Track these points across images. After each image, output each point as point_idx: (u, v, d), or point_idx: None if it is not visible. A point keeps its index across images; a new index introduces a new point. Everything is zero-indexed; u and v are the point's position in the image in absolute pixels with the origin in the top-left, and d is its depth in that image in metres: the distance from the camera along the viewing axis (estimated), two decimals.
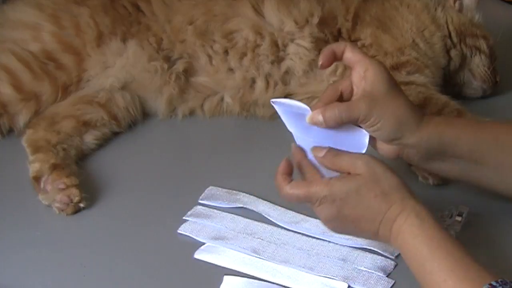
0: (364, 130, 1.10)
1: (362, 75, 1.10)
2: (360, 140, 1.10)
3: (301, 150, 1.10)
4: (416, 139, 1.10)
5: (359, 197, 1.03)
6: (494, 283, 0.93)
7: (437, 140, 1.11)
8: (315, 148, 1.09)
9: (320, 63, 1.11)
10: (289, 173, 1.08)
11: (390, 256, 1.13)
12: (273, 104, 1.10)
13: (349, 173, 1.05)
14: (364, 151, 1.09)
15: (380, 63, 1.11)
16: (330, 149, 1.08)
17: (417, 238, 1.00)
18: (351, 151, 1.08)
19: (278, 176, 1.08)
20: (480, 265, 0.97)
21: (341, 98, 1.11)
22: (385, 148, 1.13)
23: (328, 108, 1.07)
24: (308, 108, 1.09)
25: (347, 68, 1.45)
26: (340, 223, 1.06)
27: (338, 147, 1.08)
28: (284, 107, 1.10)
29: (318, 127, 1.08)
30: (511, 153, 1.13)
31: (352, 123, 1.08)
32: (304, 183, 1.07)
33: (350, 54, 1.11)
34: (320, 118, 1.07)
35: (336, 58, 1.12)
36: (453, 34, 1.52)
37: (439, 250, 0.98)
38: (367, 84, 1.09)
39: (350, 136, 1.10)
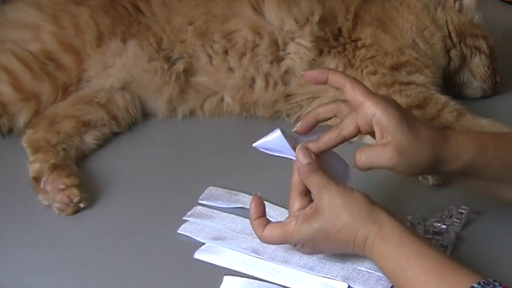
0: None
1: (370, 119, 1.05)
2: (347, 170, 1.12)
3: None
4: (448, 169, 1.08)
5: (325, 235, 1.05)
6: (476, 286, 0.92)
7: (469, 167, 1.08)
8: (301, 154, 1.08)
9: (306, 74, 1.10)
10: (262, 214, 1.10)
11: None
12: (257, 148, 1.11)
13: (313, 212, 1.06)
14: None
15: (385, 100, 1.06)
16: (311, 163, 1.07)
17: (386, 261, 1.01)
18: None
19: (252, 222, 1.10)
20: (457, 270, 0.96)
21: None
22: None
23: (357, 154, 1.06)
24: (293, 152, 1.09)
25: (347, 66, 1.45)
26: (320, 253, 1.11)
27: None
28: (267, 150, 1.11)
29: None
30: None
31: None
32: (277, 225, 1.09)
33: (351, 95, 1.06)
34: (353, 163, 1.07)
35: (327, 84, 1.09)
36: (453, 34, 1.53)
37: (409, 268, 0.98)
38: (384, 129, 1.04)
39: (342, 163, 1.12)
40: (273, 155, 1.11)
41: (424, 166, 1.06)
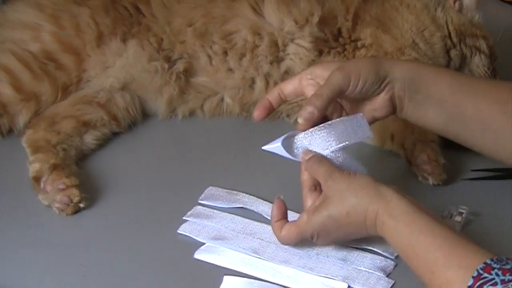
0: (357, 115, 1.14)
1: (312, 81, 1.14)
2: (359, 124, 1.13)
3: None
4: (399, 71, 1.13)
5: (335, 221, 1.07)
6: (489, 262, 0.91)
7: (417, 72, 1.14)
8: (304, 151, 1.12)
9: (254, 115, 1.16)
10: (282, 217, 1.12)
11: (390, 256, 1.13)
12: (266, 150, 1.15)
13: (320, 203, 1.09)
14: (371, 134, 1.13)
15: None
16: (315, 156, 1.11)
17: (397, 239, 1.02)
18: (359, 140, 1.12)
19: (273, 225, 1.13)
20: (467, 246, 0.95)
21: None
22: (379, 106, 1.15)
23: (312, 97, 1.11)
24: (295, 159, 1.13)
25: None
26: (337, 240, 1.12)
27: (347, 143, 1.11)
28: (275, 151, 1.14)
29: (316, 141, 1.12)
30: (489, 102, 1.13)
31: (338, 94, 1.11)
32: (292, 224, 1.11)
33: (288, 85, 1.16)
34: (310, 108, 1.10)
35: (275, 105, 1.17)
36: (453, 34, 1.52)
37: (419, 245, 0.99)
38: (320, 75, 1.13)
39: (349, 128, 1.12)
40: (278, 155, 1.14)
41: (372, 72, 1.11)
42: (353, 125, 1.13)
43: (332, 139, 1.11)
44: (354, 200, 1.05)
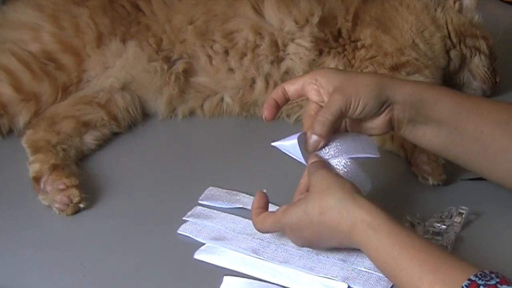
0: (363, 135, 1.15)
1: (316, 87, 1.13)
2: (368, 142, 1.15)
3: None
4: (400, 94, 1.12)
5: (309, 217, 1.06)
6: (473, 278, 0.91)
7: (419, 95, 1.13)
8: (311, 155, 1.12)
9: (264, 116, 1.15)
10: (263, 207, 1.13)
11: None
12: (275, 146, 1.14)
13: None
14: (378, 154, 1.15)
15: (322, 67, 1.13)
16: (316, 162, 1.11)
17: (378, 250, 1.01)
18: (365, 156, 1.13)
19: (252, 211, 1.13)
20: (451, 261, 0.95)
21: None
22: (377, 125, 1.15)
23: (313, 124, 1.11)
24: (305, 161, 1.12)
25: (347, 67, 1.46)
26: (309, 243, 1.11)
27: (355, 156, 1.12)
28: (286, 150, 1.13)
29: (326, 148, 1.12)
30: (491, 124, 1.13)
31: (340, 118, 1.11)
32: (268, 215, 1.11)
33: (292, 87, 1.15)
34: (314, 137, 1.11)
35: (281, 104, 1.15)
36: (452, 35, 1.53)
37: (402, 258, 0.97)
38: (325, 87, 1.12)
39: (358, 143, 1.14)
40: (286, 154, 1.13)
41: (372, 97, 1.11)
42: (361, 142, 1.14)
43: (342, 148, 1.12)
44: (331, 202, 1.04)
